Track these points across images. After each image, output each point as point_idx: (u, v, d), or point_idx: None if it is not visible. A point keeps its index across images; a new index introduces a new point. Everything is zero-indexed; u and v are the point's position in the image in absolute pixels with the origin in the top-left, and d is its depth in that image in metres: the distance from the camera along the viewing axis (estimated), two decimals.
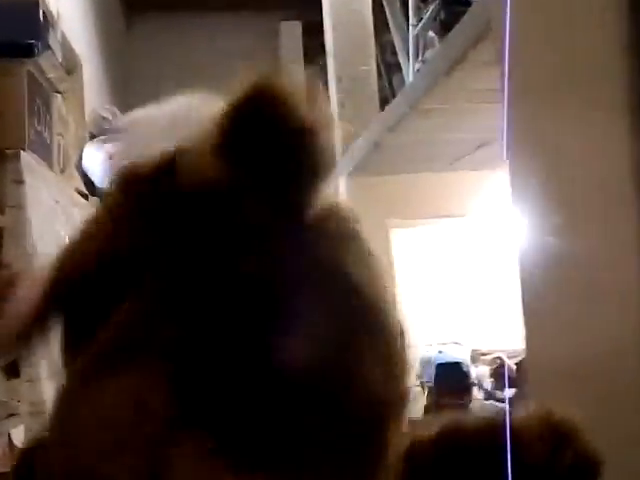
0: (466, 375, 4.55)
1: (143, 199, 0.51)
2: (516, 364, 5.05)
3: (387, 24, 3.88)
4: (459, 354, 5.23)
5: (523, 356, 5.44)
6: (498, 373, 5.01)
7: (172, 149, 0.52)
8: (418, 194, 3.79)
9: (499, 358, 4.98)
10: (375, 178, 3.63)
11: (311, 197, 0.47)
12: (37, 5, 1.96)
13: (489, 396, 4.77)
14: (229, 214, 0.47)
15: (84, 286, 0.51)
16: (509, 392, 4.76)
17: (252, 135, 0.43)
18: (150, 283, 0.48)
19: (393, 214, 3.82)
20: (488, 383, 5.01)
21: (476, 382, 4.64)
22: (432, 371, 4.40)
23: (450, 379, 4.36)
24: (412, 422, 0.63)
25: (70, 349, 0.54)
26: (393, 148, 3.16)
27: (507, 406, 0.63)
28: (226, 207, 0.47)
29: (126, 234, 0.51)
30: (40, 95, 1.97)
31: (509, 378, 4.67)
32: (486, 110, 2.68)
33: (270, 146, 0.43)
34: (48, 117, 2.05)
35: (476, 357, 5.46)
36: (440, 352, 4.98)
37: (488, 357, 5.19)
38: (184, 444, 0.45)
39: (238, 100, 0.44)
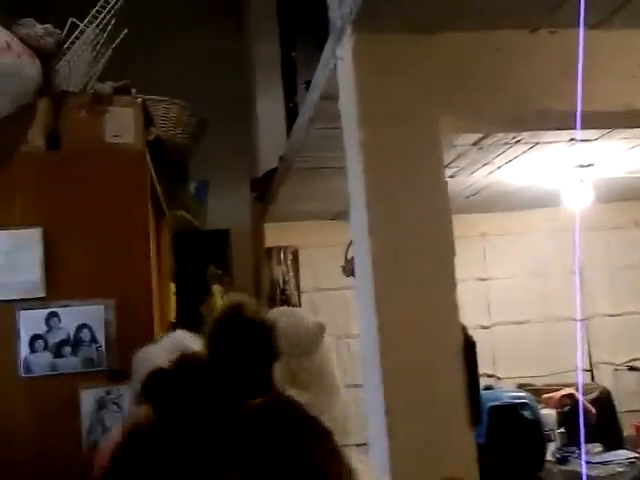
0: (537, 423, 3.35)
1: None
2: (592, 402, 3.87)
3: None
4: (516, 392, 4.01)
5: (599, 392, 4.31)
6: (570, 418, 3.71)
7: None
8: None
9: (570, 396, 3.75)
10: None
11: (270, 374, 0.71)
12: None
13: (563, 457, 3.48)
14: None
15: None
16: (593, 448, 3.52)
17: (235, 328, 0.72)
18: None
19: None
20: (557, 436, 3.64)
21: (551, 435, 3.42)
22: (482, 419, 3.03)
23: (515, 430, 3.23)
24: None
25: None
26: None
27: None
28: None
29: None
30: None
31: (588, 426, 3.37)
32: None
33: (246, 334, 0.71)
34: None
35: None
36: (489, 388, 3.73)
37: (550, 396, 3.89)
38: None
39: (225, 310, 0.74)
